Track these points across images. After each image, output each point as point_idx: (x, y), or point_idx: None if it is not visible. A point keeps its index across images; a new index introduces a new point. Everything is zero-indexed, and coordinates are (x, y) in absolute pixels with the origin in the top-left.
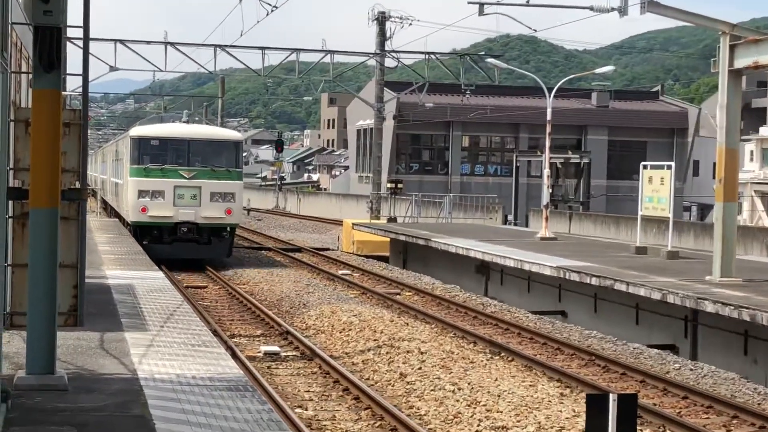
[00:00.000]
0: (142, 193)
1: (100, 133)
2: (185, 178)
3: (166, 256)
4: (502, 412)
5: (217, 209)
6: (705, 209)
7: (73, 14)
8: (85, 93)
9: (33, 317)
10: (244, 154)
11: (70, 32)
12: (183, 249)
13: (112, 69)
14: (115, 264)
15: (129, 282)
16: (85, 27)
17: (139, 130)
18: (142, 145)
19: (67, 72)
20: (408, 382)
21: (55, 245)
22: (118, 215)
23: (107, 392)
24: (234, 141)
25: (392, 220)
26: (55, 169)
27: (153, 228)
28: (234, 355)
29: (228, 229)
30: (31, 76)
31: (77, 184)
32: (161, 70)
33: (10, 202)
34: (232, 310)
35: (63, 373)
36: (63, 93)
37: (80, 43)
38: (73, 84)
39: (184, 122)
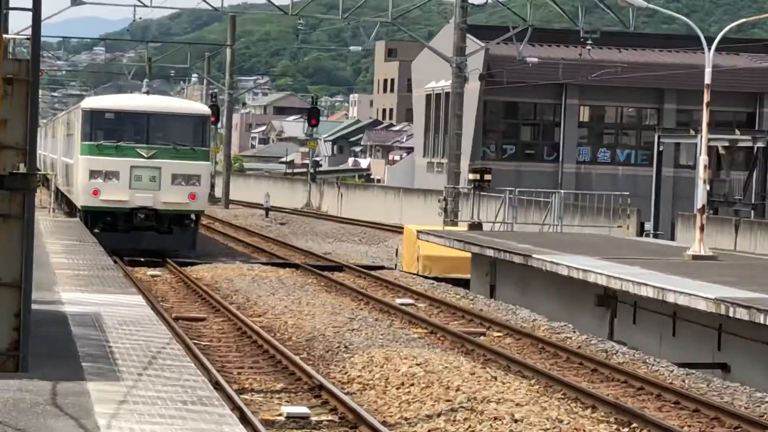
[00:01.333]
0: (93, 174)
1: (56, 94)
2: (143, 157)
3: (120, 246)
4: None
5: (179, 194)
6: None
7: None
8: (36, 36)
9: None
10: (264, 127)
11: None
12: (140, 239)
13: (75, 2)
14: (75, 284)
15: (94, 309)
16: None
17: (91, 102)
18: (94, 119)
19: (10, 6)
20: None
21: None
22: (71, 205)
23: None
24: (200, 115)
25: (475, 226)
26: None
27: (106, 214)
28: (244, 418)
29: (192, 216)
30: None
31: (22, 168)
32: (145, 6)
33: None
34: (243, 352)
35: None
36: (5, 36)
37: None
38: (18, 23)
39: (144, 93)
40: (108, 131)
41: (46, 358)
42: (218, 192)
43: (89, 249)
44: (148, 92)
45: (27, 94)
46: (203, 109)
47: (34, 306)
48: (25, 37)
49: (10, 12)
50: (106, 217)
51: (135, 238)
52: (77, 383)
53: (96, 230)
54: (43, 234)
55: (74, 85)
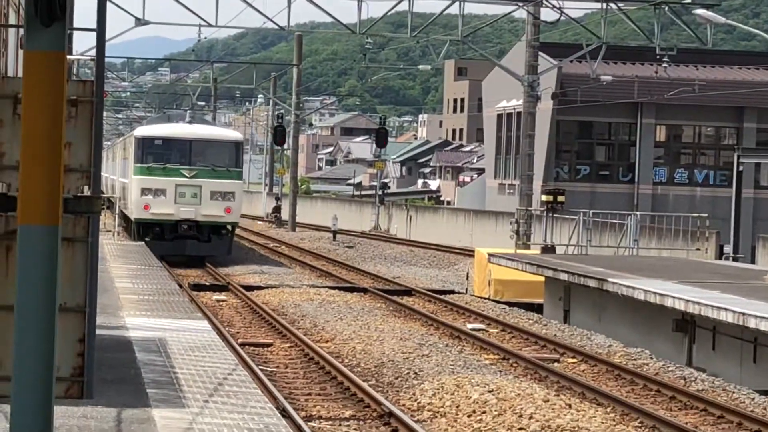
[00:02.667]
0: (145, 191)
1: (120, 116)
2: (186, 177)
3: (167, 252)
4: None
5: (216, 207)
6: None
7: None
8: (101, 57)
9: (20, 384)
10: (330, 148)
11: None
12: (183, 246)
13: (140, 23)
14: (140, 308)
15: (159, 335)
16: None
17: (143, 130)
18: (145, 145)
19: (74, 26)
20: None
21: (54, 279)
22: (127, 220)
23: None
24: (234, 141)
25: (548, 249)
26: (55, 167)
27: (155, 225)
28: None
29: (228, 227)
30: (22, 31)
31: (87, 190)
32: (210, 25)
33: None
34: (309, 379)
35: None
36: (69, 57)
37: None
38: (83, 44)
39: (187, 122)
40: (157, 155)
41: (110, 384)
42: (285, 214)
43: (154, 274)
44: (190, 121)
45: (91, 116)
46: (237, 136)
47: (98, 331)
48: (90, 57)
49: (74, 33)
50: (155, 228)
51: (179, 246)
52: (142, 410)
53: (146, 239)
54: (107, 258)
55: (138, 106)
